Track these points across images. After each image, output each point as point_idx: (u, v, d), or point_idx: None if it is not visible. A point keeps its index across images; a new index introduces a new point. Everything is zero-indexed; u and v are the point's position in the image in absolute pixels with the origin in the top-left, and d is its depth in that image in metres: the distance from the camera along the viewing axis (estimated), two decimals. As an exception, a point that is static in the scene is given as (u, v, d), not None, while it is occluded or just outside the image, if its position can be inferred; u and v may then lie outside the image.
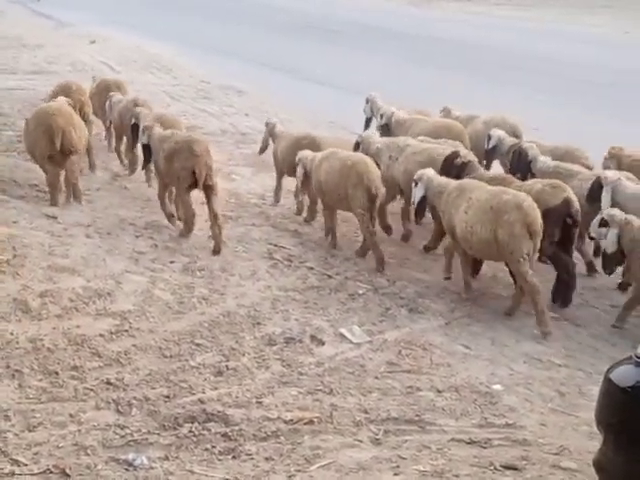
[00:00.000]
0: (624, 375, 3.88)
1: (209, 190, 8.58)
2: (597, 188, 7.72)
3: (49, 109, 9.57)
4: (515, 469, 4.87)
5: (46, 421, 5.19)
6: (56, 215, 8.93)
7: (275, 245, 8.79)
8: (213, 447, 5.02)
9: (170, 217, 9.11)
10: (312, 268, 8.18)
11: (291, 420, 5.32)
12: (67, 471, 4.70)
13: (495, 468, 4.87)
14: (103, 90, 12.01)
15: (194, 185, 8.59)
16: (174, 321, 6.77)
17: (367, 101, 11.47)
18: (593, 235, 7.34)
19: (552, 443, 5.21)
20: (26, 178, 10.17)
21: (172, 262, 8.09)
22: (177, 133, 9.06)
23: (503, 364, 6.36)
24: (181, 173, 8.51)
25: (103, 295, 7.05)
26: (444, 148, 8.71)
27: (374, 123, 11.27)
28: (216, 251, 8.41)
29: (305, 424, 5.29)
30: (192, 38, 25.47)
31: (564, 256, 7.46)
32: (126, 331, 6.48)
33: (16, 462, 4.77)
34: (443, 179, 7.81)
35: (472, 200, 7.19)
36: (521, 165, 8.61)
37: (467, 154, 8.47)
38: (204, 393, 5.64)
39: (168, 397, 5.56)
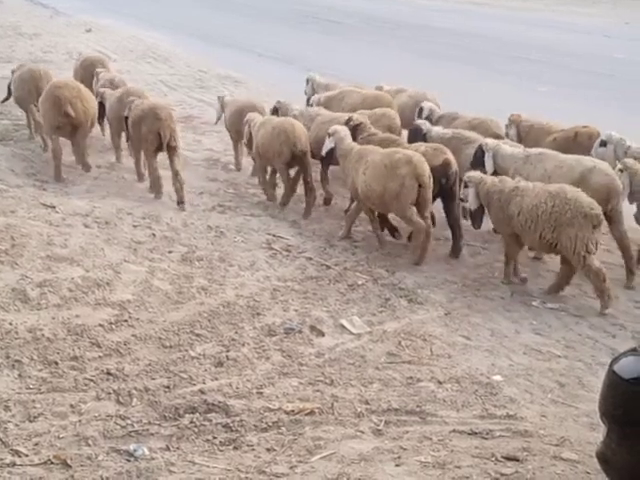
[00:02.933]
0: (628, 367, 3.88)
1: (172, 151, 9.58)
2: (480, 154, 8.54)
3: (57, 82, 10.33)
4: (516, 460, 4.86)
5: (46, 411, 5.18)
6: (54, 205, 8.90)
7: (274, 235, 8.78)
8: (214, 438, 5.01)
9: (141, 177, 10.26)
10: (311, 258, 8.17)
11: (292, 411, 5.30)
12: (68, 462, 4.68)
13: (496, 459, 4.85)
14: (88, 67, 12.80)
15: (160, 147, 9.53)
16: (173, 311, 6.74)
17: (307, 81, 12.72)
18: (461, 197, 8.07)
19: (553, 434, 5.20)
20: (24, 167, 10.16)
21: (170, 252, 8.07)
22: (143, 101, 9.97)
23: (503, 355, 6.35)
24: (148, 137, 9.47)
25: (102, 285, 7.02)
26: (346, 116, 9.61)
27: None
28: (180, 202, 9.47)
29: (306, 415, 5.27)
30: (190, 28, 25.44)
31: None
32: (125, 321, 6.46)
33: (17, 453, 4.75)
34: (351, 142, 8.77)
35: (369, 162, 8.21)
36: (417, 139, 9.30)
37: (358, 118, 9.43)
38: (204, 384, 5.62)
39: (168, 387, 5.55)
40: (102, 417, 5.16)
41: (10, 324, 6.19)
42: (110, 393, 5.44)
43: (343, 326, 6.69)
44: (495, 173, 8.27)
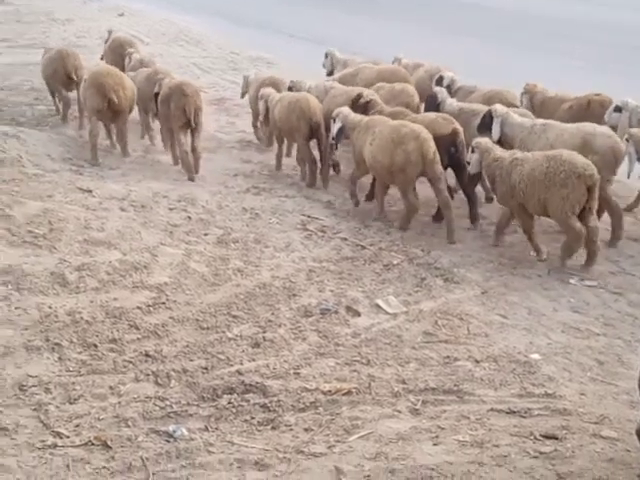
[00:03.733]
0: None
1: (195, 127, 9.94)
2: (489, 119, 8.66)
3: (101, 70, 10.72)
4: (555, 438, 4.83)
5: (86, 393, 5.24)
6: (91, 189, 8.96)
7: (308, 216, 8.78)
8: (252, 418, 5.05)
9: (175, 159, 10.41)
10: (346, 239, 8.16)
11: (329, 391, 5.32)
12: (108, 443, 4.74)
13: (535, 438, 4.83)
14: (116, 48, 13.29)
15: (187, 123, 9.85)
16: (210, 293, 6.78)
17: (326, 56, 12.87)
18: (468, 160, 8.22)
19: (592, 412, 5.17)
20: (60, 152, 10.24)
21: (206, 234, 8.10)
22: (172, 79, 10.41)
23: (541, 333, 6.31)
24: (175, 113, 9.79)
25: (139, 268, 7.07)
26: (359, 90, 9.94)
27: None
28: (194, 172, 9.95)
29: (343, 395, 5.29)
30: (220, 10, 25.43)
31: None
32: (163, 303, 6.51)
33: (58, 434, 4.82)
34: (357, 116, 9.03)
35: (376, 134, 8.41)
36: (432, 107, 9.52)
37: (369, 94, 9.72)
38: (242, 365, 5.66)
39: (206, 369, 5.58)
40: (141, 398, 5.22)
41: (49, 307, 6.27)
42: (149, 375, 5.50)
43: (379, 306, 6.68)
44: (499, 141, 8.43)
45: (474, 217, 8.57)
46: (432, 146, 8.13)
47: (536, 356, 5.90)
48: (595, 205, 7.35)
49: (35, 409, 5.05)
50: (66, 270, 6.89)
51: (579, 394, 5.41)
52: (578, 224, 7.26)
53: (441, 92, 9.70)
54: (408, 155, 8.08)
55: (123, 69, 12.07)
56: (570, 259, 7.51)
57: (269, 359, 5.75)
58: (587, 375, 5.72)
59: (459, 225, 8.47)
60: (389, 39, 18.72)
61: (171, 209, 8.72)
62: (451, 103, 9.53)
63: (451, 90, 10.32)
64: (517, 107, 9.49)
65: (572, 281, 7.26)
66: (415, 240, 8.15)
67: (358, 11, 25.16)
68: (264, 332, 6.15)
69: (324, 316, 6.46)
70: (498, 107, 8.69)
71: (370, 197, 9.23)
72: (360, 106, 9.45)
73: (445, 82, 10.48)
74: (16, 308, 6.22)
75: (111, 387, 5.33)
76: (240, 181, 10.01)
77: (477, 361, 5.78)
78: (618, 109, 8.74)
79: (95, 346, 5.82)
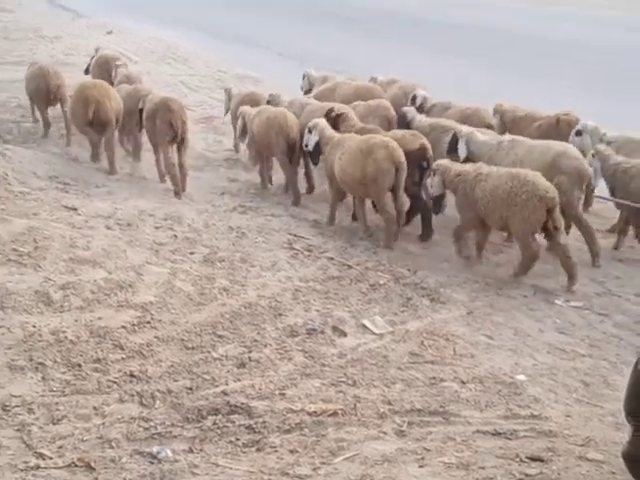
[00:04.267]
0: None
1: (182, 143, 10.10)
2: (455, 141, 8.86)
3: (87, 83, 11.11)
4: (541, 460, 4.82)
5: (70, 414, 5.20)
6: (76, 207, 8.93)
7: (295, 235, 8.78)
8: (237, 439, 5.01)
9: (161, 177, 10.48)
10: (332, 258, 8.16)
11: (315, 412, 5.29)
12: (92, 464, 4.70)
13: (521, 460, 4.82)
14: (103, 64, 13.46)
15: (174, 139, 9.99)
16: (195, 312, 6.75)
17: (303, 77, 13.26)
18: (430, 184, 8.36)
19: (578, 434, 5.16)
20: (46, 170, 10.20)
21: (192, 253, 8.08)
22: (156, 95, 10.59)
23: (527, 354, 6.31)
24: (161, 127, 9.91)
25: (124, 287, 7.03)
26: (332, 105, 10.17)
27: None
28: (178, 192, 10.00)
29: (329, 416, 5.26)
30: (208, 27, 25.48)
31: (421, 195, 8.65)
32: (148, 323, 6.47)
33: (41, 455, 4.77)
34: (333, 132, 9.17)
35: (345, 148, 8.59)
36: (402, 126, 9.71)
37: (340, 108, 9.90)
38: (227, 385, 5.63)
39: (191, 389, 5.55)
40: (125, 419, 5.17)
41: (33, 327, 6.22)
42: (133, 395, 5.46)
43: (365, 326, 6.67)
44: (468, 159, 8.57)
45: (427, 232, 8.74)
46: (401, 155, 8.29)
47: (522, 377, 5.90)
48: (561, 224, 7.50)
49: (18, 429, 5.00)
50: (51, 289, 6.85)
51: (565, 416, 5.41)
52: (535, 244, 7.50)
53: (410, 111, 9.97)
54: (379, 164, 8.22)
55: (111, 85, 12.03)
56: (523, 275, 7.67)
57: (254, 379, 5.72)
58: (573, 396, 5.72)
59: (446, 245, 8.49)
60: (377, 58, 18.75)
61: (157, 227, 8.69)
62: (420, 120, 9.75)
63: (424, 108, 10.59)
64: (492, 125, 9.79)
65: (558, 302, 7.29)
66: (401, 260, 8.16)
67: (348, 30, 25.25)
68: (250, 352, 6.13)
69: (310, 336, 6.44)
70: (463, 128, 8.91)
71: (355, 217, 9.24)
72: (331, 119, 9.64)
73: (418, 101, 10.75)
74: (0, 327, 6.17)
75: (95, 408, 5.29)
76: (227, 200, 10.01)
77: (463, 382, 5.77)
78: (579, 133, 9.00)
79: (79, 366, 5.77)
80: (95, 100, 10.45)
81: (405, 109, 10.10)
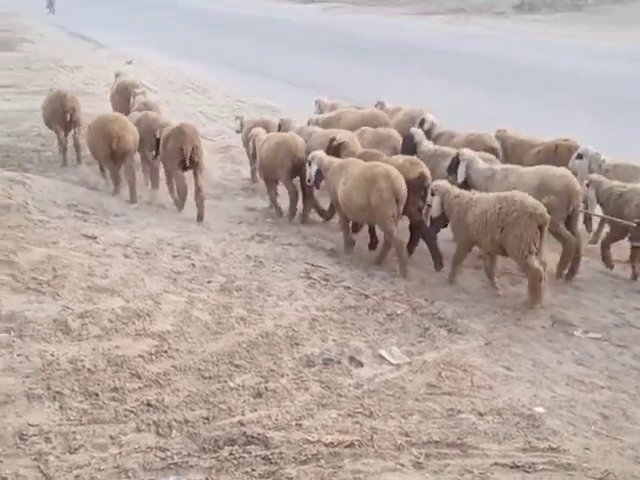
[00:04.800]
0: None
1: (196, 167, 10.32)
2: (455, 162, 9.08)
3: (108, 116, 11.40)
4: (560, 494, 4.78)
5: (87, 443, 5.20)
6: (95, 235, 8.99)
7: (312, 264, 8.78)
8: (253, 470, 4.99)
9: (175, 199, 10.76)
10: (349, 287, 8.15)
11: (331, 443, 5.27)
12: (108, 494, 4.70)
13: (539, 493, 4.78)
14: (122, 91, 13.87)
15: (184, 162, 10.25)
16: (212, 342, 6.75)
17: (316, 103, 13.75)
18: (429, 203, 8.58)
19: (596, 467, 5.11)
20: (65, 198, 10.27)
21: (209, 282, 8.10)
22: (172, 123, 10.95)
23: (545, 386, 6.26)
24: (172, 151, 10.23)
25: (142, 315, 7.05)
26: (336, 133, 10.48)
27: None
28: (199, 217, 10.22)
29: (346, 447, 5.23)
30: (227, 58, 25.74)
31: (423, 221, 8.91)
32: (165, 352, 6.48)
33: (58, 485, 4.78)
34: (330, 158, 9.44)
35: (349, 173, 8.74)
36: (408, 147, 9.99)
37: (342, 137, 10.18)
38: (244, 415, 5.61)
39: (208, 419, 5.54)
40: (142, 449, 5.17)
41: (52, 355, 6.24)
42: (150, 425, 5.45)
43: (382, 356, 6.64)
44: (465, 183, 8.90)
45: (437, 258, 8.73)
46: (403, 184, 8.45)
47: (540, 409, 5.84)
48: (542, 245, 7.68)
49: (35, 459, 5.01)
50: (69, 317, 6.88)
51: (583, 449, 5.35)
52: (536, 262, 7.57)
53: (417, 133, 10.15)
54: (382, 194, 8.37)
55: (128, 111, 12.70)
56: (538, 297, 7.68)
57: (271, 410, 5.71)
58: (592, 429, 5.66)
59: (463, 275, 8.48)
60: (391, 87, 18.86)
61: (175, 256, 8.72)
62: (427, 144, 9.98)
63: (431, 132, 10.79)
64: (497, 150, 9.97)
65: (576, 333, 7.23)
66: (419, 290, 8.14)
67: (362, 60, 25.44)
68: (266, 382, 6.12)
69: (327, 366, 6.43)
70: (465, 151, 9.12)
71: (372, 246, 9.28)
72: (333, 148, 9.96)
73: (426, 125, 10.90)
74: (18, 355, 6.19)
75: (112, 437, 5.29)
76: (244, 228, 10.04)
77: (481, 414, 5.72)
78: (579, 156, 9.22)
79: (96, 395, 5.78)
80: (117, 134, 10.79)
81: (413, 130, 10.25)
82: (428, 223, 8.87)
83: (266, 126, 11.69)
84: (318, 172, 9.47)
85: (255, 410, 5.70)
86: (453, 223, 8.34)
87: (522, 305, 7.77)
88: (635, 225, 8.00)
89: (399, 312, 7.55)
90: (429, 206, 8.60)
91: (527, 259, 7.56)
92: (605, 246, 8.63)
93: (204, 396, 5.86)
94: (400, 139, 10.49)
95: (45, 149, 13.66)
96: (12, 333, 6.51)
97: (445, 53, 26.68)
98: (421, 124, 10.96)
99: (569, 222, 8.33)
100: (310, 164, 9.57)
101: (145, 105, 12.65)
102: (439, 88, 19.88)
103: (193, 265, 8.49)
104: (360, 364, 6.51)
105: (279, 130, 11.65)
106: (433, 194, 8.47)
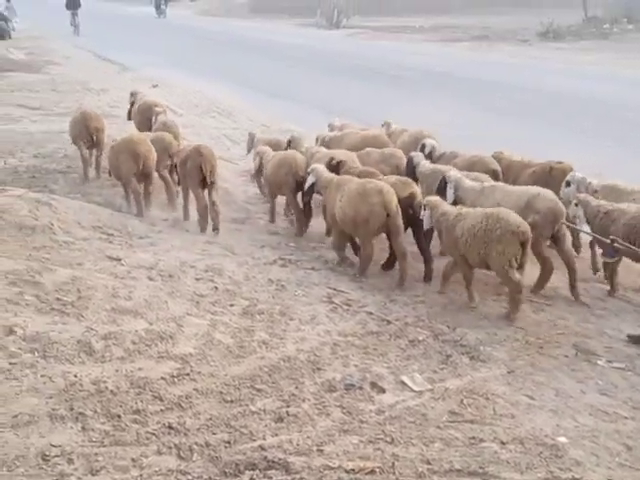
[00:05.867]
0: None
1: (211, 185, 10.81)
2: (443, 184, 9.53)
3: (134, 138, 11.76)
4: (583, 526, 4.74)
5: (109, 465, 5.21)
6: (120, 257, 9.05)
7: (334, 289, 8.79)
8: (274, 495, 4.99)
9: (187, 217, 11.36)
10: (371, 313, 8.15)
11: (352, 469, 5.25)
12: (129, 516, 4.71)
13: (562, 525, 4.74)
14: (145, 111, 14.23)
15: (203, 181, 10.70)
16: (234, 365, 6.77)
17: (329, 126, 14.21)
18: (421, 217, 8.96)
19: (620, 499, 5.07)
20: (90, 220, 10.35)
21: (232, 305, 8.12)
22: (190, 144, 11.68)
23: (568, 416, 6.21)
24: (191, 171, 10.70)
25: (165, 338, 7.08)
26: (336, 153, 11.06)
27: None
28: (215, 228, 10.73)
29: (367, 474, 5.22)
30: (254, 82, 25.94)
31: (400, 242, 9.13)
32: (187, 374, 6.50)
33: (79, 506, 4.79)
34: (330, 175, 9.93)
35: (344, 190, 9.20)
36: (410, 168, 10.60)
37: (340, 156, 10.73)
38: (265, 439, 5.61)
39: (229, 443, 5.55)
40: (163, 472, 5.18)
41: (75, 376, 6.28)
42: (171, 447, 5.46)
43: (404, 383, 6.63)
44: (455, 203, 9.18)
45: (429, 274, 9.19)
46: (394, 200, 8.89)
47: (563, 439, 5.80)
48: (526, 262, 8.05)
49: (57, 480, 5.04)
50: (92, 338, 6.92)
51: (607, 480, 5.31)
52: (517, 276, 7.93)
53: (417, 156, 10.71)
54: (372, 207, 8.82)
55: (150, 130, 13.22)
56: (516, 309, 8.01)
57: (292, 434, 5.71)
58: (615, 460, 5.60)
59: (485, 302, 8.46)
60: (419, 112, 18.94)
61: (198, 279, 8.76)
62: (424, 164, 10.50)
63: (432, 155, 11.21)
64: (498, 173, 10.25)
65: (600, 362, 7.18)
66: (441, 316, 8.12)
67: (389, 85, 25.55)
68: (288, 406, 6.12)
69: (348, 391, 6.42)
70: (451, 173, 9.58)
71: (388, 266, 9.50)
72: (332, 167, 10.41)
73: (427, 149, 11.31)
74: (42, 376, 6.23)
75: (133, 459, 5.30)
76: (267, 252, 10.08)
77: (503, 443, 5.69)
78: (568, 184, 9.54)
79: (119, 417, 5.80)
80: (144, 156, 11.28)
81: (413, 154, 10.81)
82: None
83: (276, 145, 12.18)
84: (313, 184, 10.02)
85: (276, 435, 5.70)
86: (444, 238, 8.66)
87: (546, 333, 7.74)
88: (609, 242, 8.15)
89: (421, 338, 7.54)
90: (421, 220, 8.95)
91: (508, 273, 7.91)
92: (612, 275, 8.81)
93: (225, 420, 5.86)
94: (403, 158, 10.99)
95: (71, 170, 13.79)
96: (36, 354, 6.56)
97: (470, 80, 26.70)
98: (422, 149, 11.38)
99: (557, 241, 8.73)
100: (309, 174, 10.09)
101: (164, 125, 13.07)
102: (466, 114, 19.93)
103: (216, 288, 8.53)
104: (382, 390, 6.49)
105: (288, 146, 12.21)
106: (424, 208, 8.84)
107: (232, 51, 36.00)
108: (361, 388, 6.48)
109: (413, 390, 6.50)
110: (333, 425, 5.88)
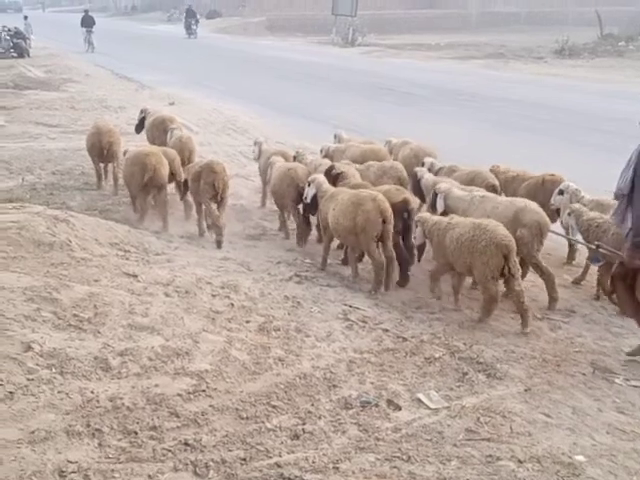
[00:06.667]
0: None
1: (222, 201, 11.16)
2: (434, 197, 10.01)
3: (144, 150, 11.99)
4: None
5: (125, 481, 5.23)
6: (136, 274, 9.08)
7: (350, 306, 8.78)
8: (290, 513, 4.98)
9: (202, 232, 11.52)
10: (387, 330, 8.13)
11: (369, 487, 5.25)
12: (145, 533, 4.71)
13: None
14: (159, 125, 14.55)
15: (215, 197, 11.03)
16: (250, 382, 6.77)
17: (335, 136, 14.41)
18: (414, 236, 9.34)
19: (639, 519, 5.03)
20: (107, 237, 10.39)
21: (248, 322, 8.13)
22: (201, 160, 11.99)
23: (585, 434, 6.18)
24: (204, 187, 10.97)
25: (181, 354, 7.10)
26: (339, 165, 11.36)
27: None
28: (218, 242, 10.98)
29: (383, 492, 5.21)
30: (268, 100, 26.04)
31: (400, 244, 9.64)
32: (203, 391, 6.51)
33: (95, 522, 4.80)
34: (328, 186, 10.20)
35: (338, 200, 9.53)
36: (415, 183, 11.04)
37: (340, 167, 11.07)
38: (281, 457, 5.61)
39: (245, 460, 5.54)
40: (179, 488, 5.19)
41: (92, 392, 6.30)
42: (187, 464, 5.47)
43: (420, 400, 6.61)
44: (445, 213, 9.59)
45: (406, 277, 9.62)
46: (388, 207, 9.20)
47: (581, 458, 5.77)
48: (516, 271, 8.26)
49: (73, 496, 5.05)
50: (109, 355, 6.95)
51: (625, 499, 5.27)
52: (495, 288, 8.28)
53: (420, 170, 11.17)
54: (367, 214, 9.10)
55: (164, 144, 13.47)
56: (487, 317, 8.35)
57: (308, 452, 5.70)
58: (633, 479, 5.57)
59: (501, 320, 8.44)
60: (431, 129, 18.96)
61: (214, 295, 8.78)
62: (427, 178, 10.85)
63: (432, 171, 11.53)
64: (497, 187, 10.60)
65: (617, 381, 7.14)
66: (457, 333, 8.10)
67: (402, 103, 25.60)
68: (304, 424, 6.11)
69: (364, 409, 6.41)
70: (442, 186, 9.98)
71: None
72: (331, 176, 10.72)
73: (426, 166, 11.68)
74: (59, 392, 6.26)
75: (150, 476, 5.31)
76: (283, 269, 10.09)
77: (520, 461, 5.66)
78: (561, 192, 9.92)
79: (135, 433, 5.82)
80: (152, 167, 11.46)
81: (417, 169, 11.28)
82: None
83: (283, 156, 12.43)
84: (315, 196, 10.22)
85: (292, 452, 5.69)
86: (435, 246, 8.94)
87: (563, 351, 7.71)
88: (594, 247, 8.41)
89: (437, 356, 7.52)
90: (414, 238, 9.34)
91: (488, 283, 8.26)
92: (602, 280, 8.96)
93: (241, 436, 5.87)
94: (404, 170, 11.45)
95: (88, 187, 13.90)
96: (53, 369, 6.59)
97: (480, 97, 26.72)
98: (422, 165, 11.76)
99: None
100: (309, 185, 10.31)
101: (180, 140, 13.30)
102: (483, 132, 19.94)
103: (232, 305, 8.54)
104: (398, 407, 6.48)
105: (295, 160, 12.40)
106: (416, 225, 9.21)
107: (248, 69, 36.17)
108: (377, 405, 6.47)
109: (429, 408, 6.48)
110: (349, 442, 5.87)
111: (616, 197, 7.47)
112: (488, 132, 20.00)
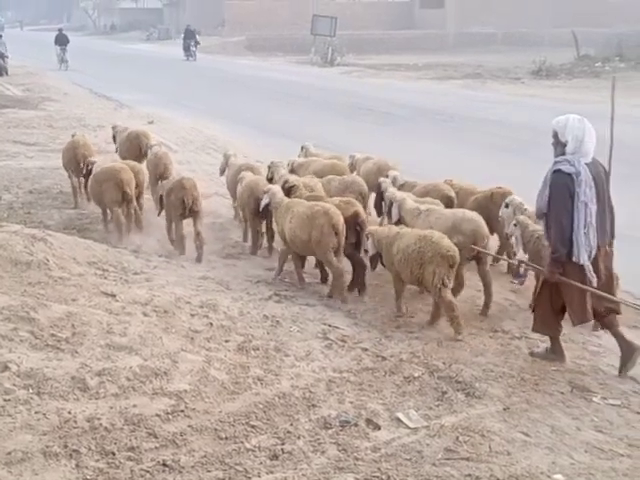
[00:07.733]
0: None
1: (195, 215, 11.39)
2: (390, 205, 10.54)
3: (116, 166, 12.33)
4: None
5: (102, 503, 5.18)
6: (115, 293, 9.02)
7: (329, 325, 8.78)
8: (269, 534, 4.95)
9: (172, 241, 11.70)
10: (366, 349, 8.13)
11: (348, 507, 5.23)
12: None
13: None
14: (134, 139, 14.86)
15: (184, 212, 11.32)
16: (229, 402, 6.74)
17: (302, 149, 14.96)
18: (365, 248, 9.75)
19: (617, 538, 5.04)
20: (85, 256, 10.34)
21: (227, 341, 8.10)
22: (174, 177, 12.40)
23: (564, 453, 6.20)
24: (175, 202, 11.28)
25: (160, 374, 7.05)
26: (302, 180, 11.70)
27: None
28: (198, 259, 11.22)
29: (362, 512, 5.19)
30: (248, 120, 26.07)
31: (356, 254, 10.09)
32: (182, 411, 6.47)
33: None
34: (282, 197, 10.60)
35: (294, 213, 9.94)
36: (378, 194, 11.41)
37: (294, 180, 11.47)
38: (260, 477, 5.58)
39: (223, 480, 5.51)
40: (157, 510, 5.14)
41: (69, 413, 6.24)
42: (165, 485, 5.43)
43: (399, 420, 6.61)
44: (399, 222, 10.15)
45: (362, 286, 10.00)
46: (341, 220, 9.65)
47: (559, 477, 5.78)
48: (450, 281, 8.65)
49: (50, 518, 4.99)
50: (87, 375, 6.89)
51: (604, 518, 5.28)
52: (449, 295, 8.62)
53: (384, 181, 11.52)
54: (322, 228, 9.52)
55: (138, 158, 13.91)
56: (458, 325, 8.49)
57: (287, 472, 5.67)
58: (612, 498, 5.59)
59: (481, 339, 8.47)
60: (410, 149, 19.06)
61: (193, 315, 8.74)
62: (391, 191, 11.04)
63: (395, 184, 11.87)
64: (452, 199, 11.01)
65: (595, 399, 7.18)
66: (436, 352, 8.11)
67: (382, 123, 25.72)
68: (283, 444, 6.09)
69: (343, 428, 6.40)
70: (397, 194, 10.56)
71: (323, 280, 10.44)
72: (285, 189, 11.10)
73: (389, 179, 11.98)
74: (36, 413, 6.20)
75: (127, 497, 5.27)
76: (262, 288, 10.08)
77: (499, 480, 5.67)
78: (506, 205, 10.33)
79: (113, 454, 5.77)
80: (127, 183, 11.92)
81: (381, 180, 11.62)
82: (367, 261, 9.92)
83: (252, 170, 12.65)
84: (267, 204, 10.63)
85: (271, 472, 5.67)
86: (384, 255, 9.33)
87: (541, 370, 7.74)
88: (516, 263, 9.02)
89: (416, 375, 7.52)
90: (366, 251, 9.74)
91: (441, 292, 8.56)
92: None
93: (220, 457, 5.83)
94: (364, 185, 11.94)
95: (66, 206, 13.85)
96: (30, 390, 6.53)
97: (458, 117, 26.91)
98: (386, 177, 12.13)
99: (478, 261, 9.43)
100: (264, 193, 10.74)
101: (155, 156, 13.53)
102: (462, 153, 20.07)
103: (211, 324, 8.50)
104: (377, 427, 6.47)
105: (268, 173, 12.70)
106: (367, 238, 9.58)
107: (228, 88, 36.24)
108: (356, 425, 6.46)
109: (408, 427, 6.48)
110: (328, 462, 5.85)
111: (537, 216, 7.95)
112: (467, 152, 20.10)
